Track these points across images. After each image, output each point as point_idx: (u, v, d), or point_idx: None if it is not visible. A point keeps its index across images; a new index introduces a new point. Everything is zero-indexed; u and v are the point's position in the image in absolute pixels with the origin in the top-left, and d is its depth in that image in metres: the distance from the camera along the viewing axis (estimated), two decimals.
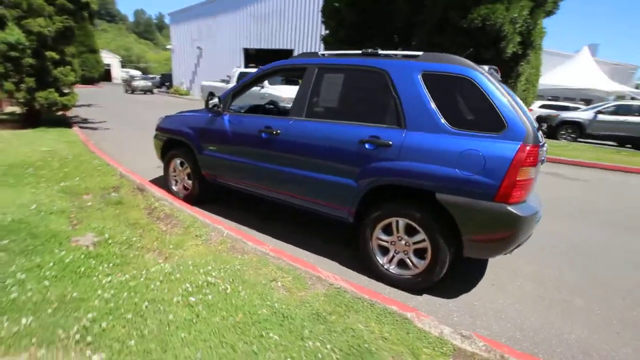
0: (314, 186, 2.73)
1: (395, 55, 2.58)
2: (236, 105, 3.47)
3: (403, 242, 2.43)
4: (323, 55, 2.90)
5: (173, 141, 3.80)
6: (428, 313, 2.18)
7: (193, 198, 3.72)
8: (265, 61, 16.10)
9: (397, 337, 1.85)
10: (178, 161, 3.80)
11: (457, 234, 2.22)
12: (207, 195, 3.78)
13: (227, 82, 12.34)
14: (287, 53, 20.91)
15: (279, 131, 2.85)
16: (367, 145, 2.42)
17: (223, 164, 3.32)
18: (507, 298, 2.48)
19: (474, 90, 2.18)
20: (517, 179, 1.99)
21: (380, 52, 2.63)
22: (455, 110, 2.24)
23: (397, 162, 2.30)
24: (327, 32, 11.28)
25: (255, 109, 3.75)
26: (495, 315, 2.27)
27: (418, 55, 2.47)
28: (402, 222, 2.39)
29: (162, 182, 4.33)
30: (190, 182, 3.74)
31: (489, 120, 2.10)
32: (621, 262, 3.20)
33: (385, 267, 2.53)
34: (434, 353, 1.77)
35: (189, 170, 3.70)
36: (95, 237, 2.72)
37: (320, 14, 12.57)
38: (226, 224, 3.18)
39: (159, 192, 3.79)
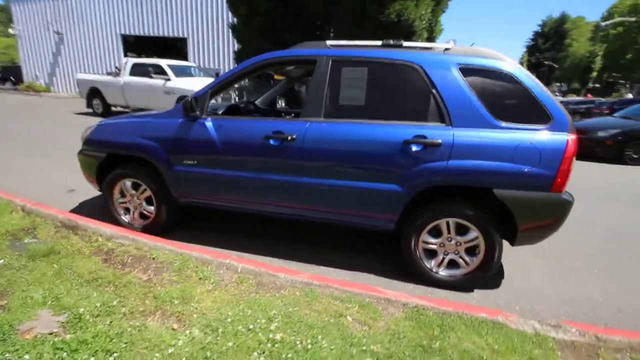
0: (347, 196, 2.40)
1: (423, 47, 2.43)
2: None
3: (453, 242, 2.35)
4: (333, 46, 2.53)
5: (118, 157, 2.86)
6: (497, 309, 2.16)
7: (157, 227, 2.88)
8: (149, 50, 14.22)
9: (507, 347, 1.76)
10: (129, 183, 2.87)
11: (510, 226, 2.26)
12: (175, 220, 2.99)
13: (117, 74, 10.20)
14: (177, 42, 18.64)
15: (294, 136, 2.39)
16: (413, 146, 2.22)
17: (209, 180, 2.63)
18: (544, 277, 2.67)
19: (513, 84, 2.20)
20: (568, 167, 2.10)
21: (404, 43, 2.43)
22: (498, 104, 2.23)
23: (450, 162, 2.18)
24: (237, 20, 10.41)
25: (233, 111, 3.10)
26: (550, 297, 2.40)
27: (448, 48, 2.37)
28: (452, 222, 2.30)
29: (96, 212, 3.27)
30: (151, 208, 2.88)
31: (534, 113, 2.16)
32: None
33: (435, 270, 2.42)
34: (547, 353, 1.74)
35: (148, 193, 2.83)
36: (54, 315, 1.81)
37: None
38: (227, 255, 2.56)
39: (103, 226, 2.81)
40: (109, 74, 11.12)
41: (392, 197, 2.31)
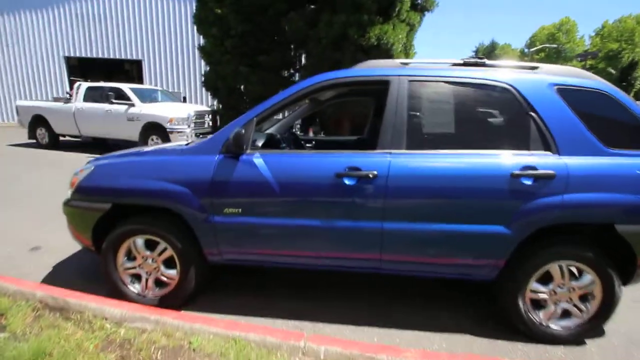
0: (442, 242, 1.97)
1: (509, 66, 2.15)
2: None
3: (565, 289, 2.01)
4: (406, 64, 2.16)
5: (127, 208, 2.17)
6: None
7: (180, 297, 2.20)
8: (96, 74, 13.16)
9: None
10: (141, 241, 2.17)
11: (624, 265, 1.98)
12: (203, 286, 2.33)
13: (68, 100, 8.95)
14: (128, 64, 17.36)
15: (375, 173, 1.93)
16: (523, 180, 1.88)
17: (260, 232, 2.06)
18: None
19: (613, 105, 1.99)
20: None
21: (486, 61, 2.14)
22: (602, 128, 1.98)
23: (567, 196, 1.86)
24: (206, 41, 9.82)
25: (273, 143, 2.56)
26: None
27: (537, 67, 2.12)
28: (565, 265, 1.97)
29: (81, 279, 2.50)
30: (172, 272, 2.19)
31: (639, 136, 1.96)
32: None
33: (545, 324, 2.05)
34: None
35: (169, 252, 2.16)
36: None
37: (190, 19, 10.90)
38: (295, 332, 1.97)
39: (106, 304, 2.07)
40: (57, 99, 9.78)
41: (497, 241, 1.93)
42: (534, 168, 1.89)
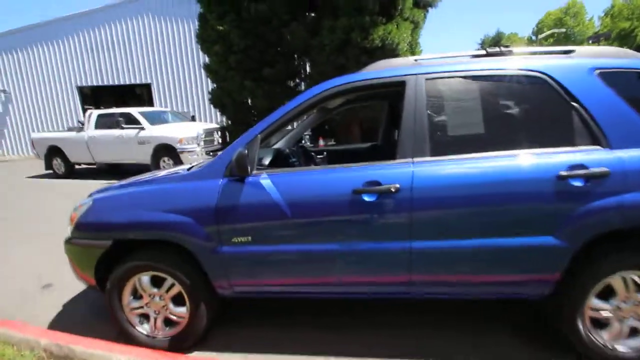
0: (481, 260, 1.73)
1: (540, 52, 1.92)
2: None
3: (631, 303, 1.72)
4: (420, 60, 1.95)
5: (131, 244, 2.01)
6: None
7: (193, 336, 2.02)
8: (108, 100, 13.34)
9: None
10: (146, 278, 2.01)
11: None
12: (214, 321, 2.14)
13: (80, 129, 9.10)
14: (138, 88, 17.71)
15: (397, 186, 1.71)
16: (572, 181, 1.63)
17: (273, 260, 1.87)
18: None
19: None
20: None
21: (513, 49, 1.90)
22: None
23: (627, 195, 1.59)
24: (210, 59, 9.85)
25: (281, 160, 2.37)
26: None
27: (572, 50, 1.87)
28: (630, 276, 1.69)
29: (95, 319, 2.35)
30: (182, 309, 2.01)
31: None
32: None
33: (610, 345, 1.76)
34: None
35: (178, 289, 1.98)
36: None
37: (194, 39, 10.99)
38: None
39: (115, 351, 1.90)
40: (70, 129, 9.96)
41: (548, 253, 1.68)
42: (583, 167, 1.63)
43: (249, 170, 1.80)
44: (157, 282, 2.01)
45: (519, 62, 1.80)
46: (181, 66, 15.51)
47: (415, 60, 1.96)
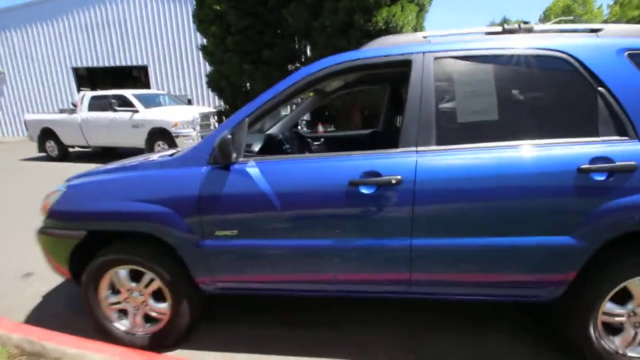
0: (490, 259, 1.58)
1: (563, 30, 1.71)
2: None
3: None
4: (429, 37, 1.74)
5: (107, 235, 1.85)
6: None
7: (175, 334, 1.88)
8: (105, 82, 13.04)
9: None
10: (124, 272, 1.86)
11: None
12: (197, 318, 2.01)
13: (73, 111, 8.86)
14: (135, 70, 17.31)
15: (398, 177, 1.54)
16: (594, 175, 1.46)
17: (261, 256, 1.72)
18: None
19: None
20: None
21: (535, 27, 1.69)
22: None
23: None
24: (207, 40, 9.50)
25: (273, 146, 2.19)
26: None
27: (599, 29, 1.66)
28: None
29: (74, 312, 2.21)
30: (162, 305, 1.87)
31: None
32: None
33: (621, 352, 1.62)
34: None
35: (158, 284, 1.84)
36: None
37: (191, 19, 10.62)
38: None
39: (90, 349, 1.77)
40: (62, 111, 9.72)
41: (564, 253, 1.52)
42: (607, 159, 1.45)
43: (233, 157, 1.62)
44: (135, 276, 1.86)
45: (539, 41, 1.60)
46: (179, 48, 15.07)
47: (424, 37, 1.75)
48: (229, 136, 1.57)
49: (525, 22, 1.69)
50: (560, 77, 1.57)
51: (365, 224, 1.61)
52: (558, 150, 1.50)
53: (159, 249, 1.78)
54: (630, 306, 1.59)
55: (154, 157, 2.11)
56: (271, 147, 2.21)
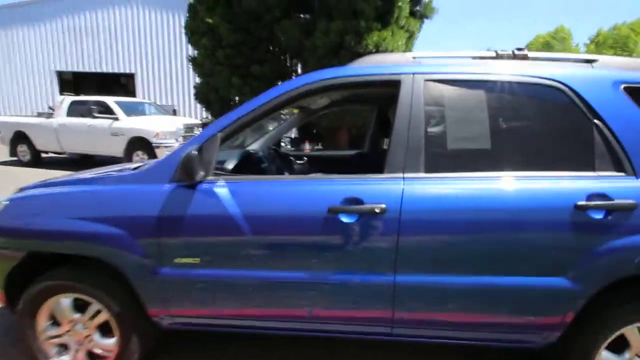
0: (478, 301, 1.44)
1: (559, 59, 1.65)
2: None
3: None
4: (419, 59, 1.65)
5: (50, 258, 1.62)
6: None
7: None
8: (90, 88, 12.67)
9: None
10: (67, 301, 1.62)
11: None
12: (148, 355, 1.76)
13: (50, 115, 8.49)
14: (122, 78, 17.00)
15: (382, 206, 1.39)
16: (591, 213, 1.35)
17: (228, 288, 1.52)
18: None
19: None
20: None
21: (529, 54, 1.62)
22: None
23: None
24: (198, 52, 9.41)
25: (248, 165, 2.02)
26: None
27: (594, 60, 1.61)
28: None
29: (7, 344, 1.93)
30: (109, 341, 1.63)
31: None
32: None
33: None
34: None
35: (105, 316, 1.60)
36: None
37: (182, 30, 10.56)
38: None
39: None
40: (39, 114, 9.32)
41: (557, 297, 1.40)
42: (605, 197, 1.36)
43: (200, 175, 1.44)
44: (80, 306, 1.62)
45: (534, 68, 1.53)
46: (168, 58, 14.96)
47: (414, 57, 1.66)
48: (195, 152, 1.39)
49: (520, 49, 1.63)
50: (556, 107, 1.49)
51: (345, 256, 1.45)
52: (554, 184, 1.40)
53: (109, 276, 1.56)
54: (627, 355, 1.47)
55: (83, 175, 1.90)
56: (248, 165, 2.04)
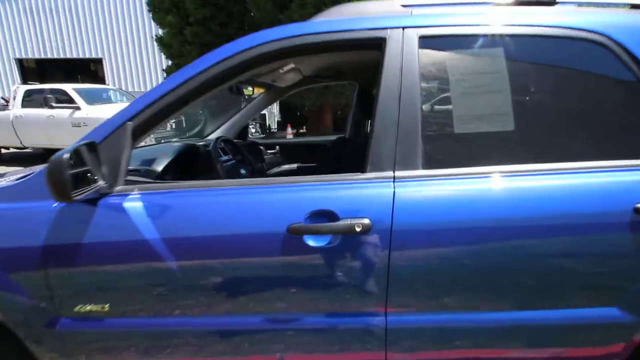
0: (505, 340, 1.05)
1: (590, 4, 1.22)
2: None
3: None
4: (409, 6, 1.18)
5: None
6: None
7: None
8: (59, 76, 11.57)
9: None
10: None
11: None
12: None
13: (4, 107, 7.70)
14: (91, 63, 15.83)
15: (366, 221, 0.97)
16: None
17: (149, 343, 1.08)
18: None
19: None
20: None
21: None
22: None
23: None
24: (164, 31, 8.61)
25: (185, 162, 1.55)
26: None
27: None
28: None
29: None
30: None
31: None
32: None
33: None
34: None
35: None
36: None
37: (145, 7, 9.64)
38: None
39: None
40: None
41: (607, 332, 1.01)
42: None
43: (102, 186, 0.99)
44: None
45: (564, 17, 1.09)
46: (137, 39, 13.89)
47: (404, 6, 1.18)
48: (66, 157, 0.89)
49: None
50: (596, 68, 1.07)
51: (313, 293, 1.03)
52: (600, 178, 0.99)
53: None
54: None
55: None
56: (194, 163, 1.57)
